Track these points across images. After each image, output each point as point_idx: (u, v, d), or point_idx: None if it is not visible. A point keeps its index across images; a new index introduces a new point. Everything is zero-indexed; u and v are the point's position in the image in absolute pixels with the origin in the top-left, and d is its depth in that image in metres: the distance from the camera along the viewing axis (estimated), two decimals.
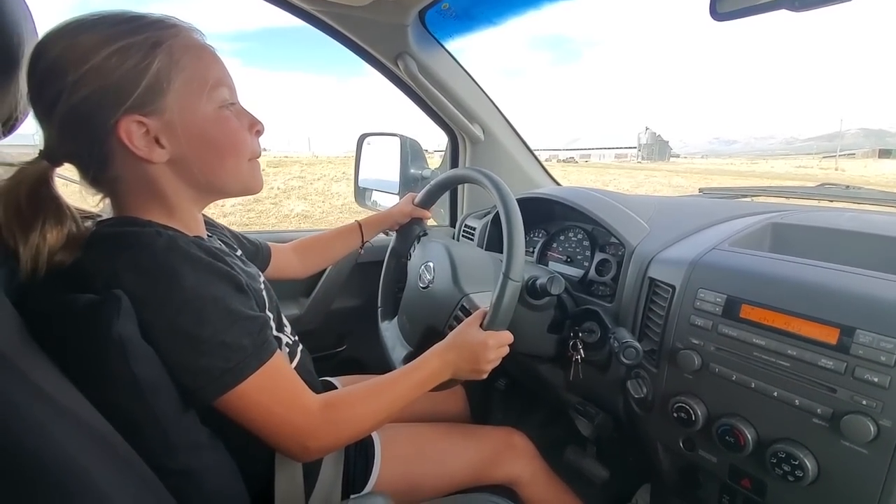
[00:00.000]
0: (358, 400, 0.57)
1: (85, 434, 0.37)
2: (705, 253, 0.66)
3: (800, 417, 0.53)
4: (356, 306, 1.24)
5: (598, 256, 0.92)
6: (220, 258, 0.50)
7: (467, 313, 0.72)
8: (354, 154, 1.37)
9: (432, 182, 0.90)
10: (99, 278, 0.44)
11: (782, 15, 0.58)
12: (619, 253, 0.88)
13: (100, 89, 0.45)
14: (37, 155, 0.49)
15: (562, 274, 0.95)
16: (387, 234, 1.28)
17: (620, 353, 0.65)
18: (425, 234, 0.91)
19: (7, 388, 0.33)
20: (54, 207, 0.48)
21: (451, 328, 0.73)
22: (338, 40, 1.05)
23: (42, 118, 0.48)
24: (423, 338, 0.83)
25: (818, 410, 0.51)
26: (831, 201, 0.99)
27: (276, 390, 0.50)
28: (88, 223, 0.51)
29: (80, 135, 0.47)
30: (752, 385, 0.56)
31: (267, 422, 0.49)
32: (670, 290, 0.67)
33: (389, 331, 0.92)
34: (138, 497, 0.39)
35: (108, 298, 0.41)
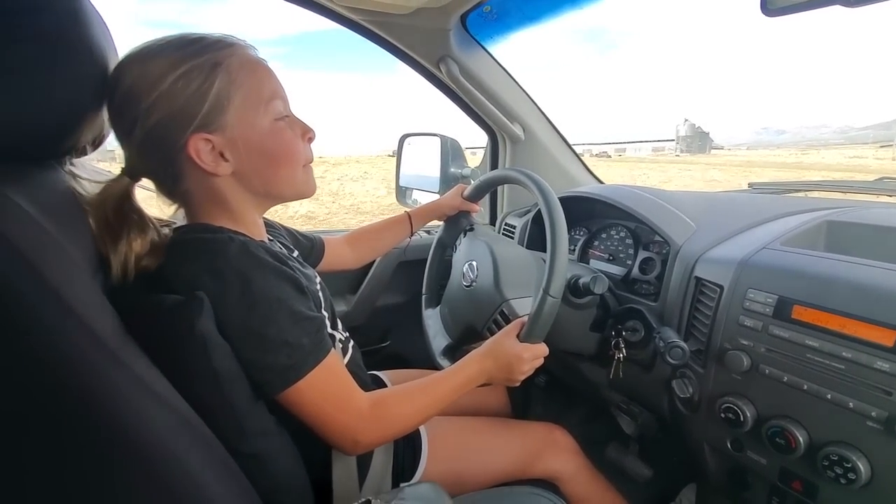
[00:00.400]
0: (403, 399, 0.61)
1: (176, 420, 0.41)
2: (755, 252, 0.65)
3: (854, 420, 0.52)
4: (400, 303, 1.28)
5: (642, 255, 0.92)
6: (283, 262, 0.54)
7: (506, 319, 0.75)
8: (386, 153, 1.41)
9: (482, 178, 0.90)
10: (180, 280, 0.49)
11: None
12: (664, 251, 0.88)
13: (169, 114, 0.50)
14: (120, 172, 0.54)
15: (604, 272, 0.95)
16: (428, 233, 1.32)
17: (666, 353, 0.65)
18: (472, 229, 0.92)
19: (114, 378, 0.37)
20: (137, 219, 0.54)
21: (490, 331, 0.77)
22: (382, 46, 1.08)
23: (122, 140, 0.53)
24: (462, 334, 0.86)
25: (873, 413, 0.51)
26: (890, 196, 0.94)
27: (329, 388, 0.54)
28: (166, 230, 0.57)
29: (155, 155, 0.52)
30: (805, 387, 0.56)
31: (321, 417, 0.54)
32: (718, 289, 0.66)
33: (432, 319, 0.95)
34: (220, 478, 0.43)
35: (192, 299, 0.46)
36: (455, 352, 0.88)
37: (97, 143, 0.55)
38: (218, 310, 0.48)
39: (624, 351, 0.78)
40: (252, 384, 0.51)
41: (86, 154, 0.55)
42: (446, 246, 0.99)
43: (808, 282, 0.58)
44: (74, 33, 0.44)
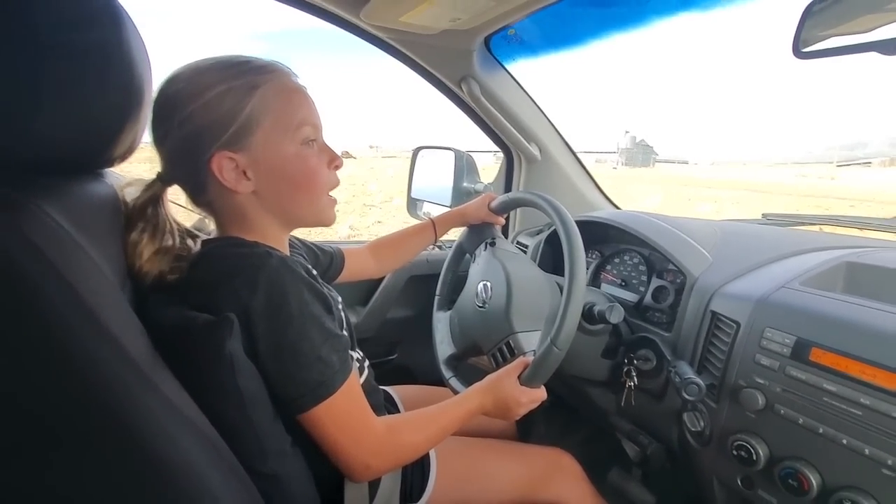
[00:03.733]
0: (415, 427, 0.62)
1: (202, 440, 0.41)
2: (773, 291, 0.65)
3: (869, 466, 0.52)
4: (408, 317, 1.28)
5: (655, 283, 0.92)
6: (315, 279, 0.55)
7: (511, 351, 0.75)
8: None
9: (512, 195, 0.89)
10: (216, 294, 0.49)
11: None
12: (678, 281, 0.88)
13: (200, 127, 0.51)
14: (155, 177, 0.56)
15: (616, 297, 0.95)
16: (440, 247, 1.32)
17: (682, 389, 0.65)
18: (493, 243, 0.90)
19: (147, 401, 0.38)
20: (156, 222, 0.55)
21: (494, 357, 0.78)
22: (405, 63, 1.10)
23: (156, 145, 0.55)
24: (468, 348, 0.87)
25: (889, 461, 0.50)
26: None
27: (352, 409, 0.54)
28: (190, 242, 0.58)
29: (183, 164, 0.54)
30: (820, 430, 0.56)
31: (340, 437, 0.54)
32: (734, 325, 0.66)
33: (441, 322, 0.95)
34: (240, 498, 0.43)
35: (223, 320, 0.47)
36: (458, 362, 0.89)
37: (127, 155, 0.56)
38: (254, 324, 0.49)
39: (635, 379, 0.78)
40: (276, 404, 0.51)
41: (113, 165, 0.57)
42: (466, 252, 0.98)
43: (827, 325, 0.58)
44: (118, 49, 0.45)
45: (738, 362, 0.64)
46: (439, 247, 1.31)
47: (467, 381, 0.82)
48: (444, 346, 0.91)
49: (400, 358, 1.31)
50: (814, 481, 0.55)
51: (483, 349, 0.81)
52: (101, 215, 0.49)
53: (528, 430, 1.21)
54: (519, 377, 0.68)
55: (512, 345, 0.75)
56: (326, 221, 0.63)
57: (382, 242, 0.97)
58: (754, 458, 0.60)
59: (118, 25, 0.45)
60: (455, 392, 0.80)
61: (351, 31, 1.00)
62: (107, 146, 0.49)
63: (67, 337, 0.34)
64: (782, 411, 0.59)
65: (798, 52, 0.62)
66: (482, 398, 0.68)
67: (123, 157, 0.55)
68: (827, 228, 1.06)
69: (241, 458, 0.47)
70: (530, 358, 0.70)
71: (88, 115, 0.44)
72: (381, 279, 1.21)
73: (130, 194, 0.55)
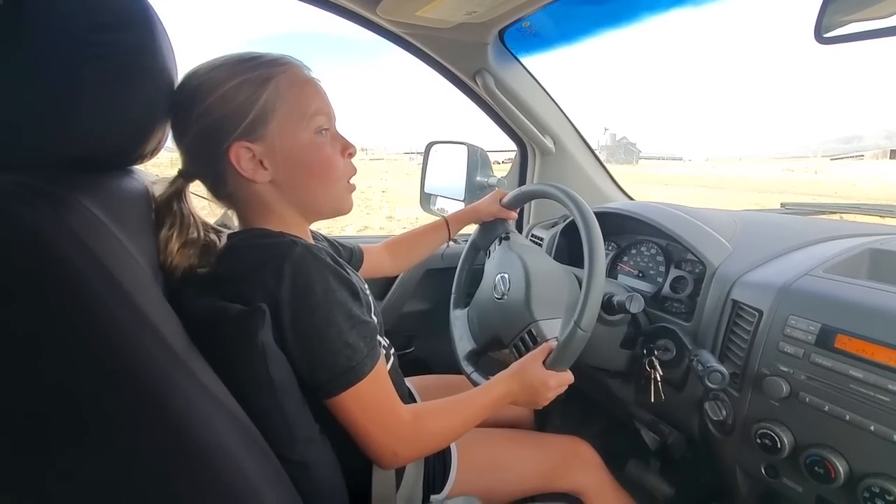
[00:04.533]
0: (441, 415, 0.62)
1: (236, 428, 0.43)
2: (797, 278, 0.65)
3: None
4: (425, 310, 1.29)
5: (674, 273, 0.92)
6: (341, 265, 0.56)
7: (534, 339, 0.75)
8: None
9: (523, 189, 0.89)
10: (245, 285, 0.50)
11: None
12: (697, 270, 0.88)
13: (217, 120, 0.53)
14: (177, 173, 0.58)
15: (633, 289, 0.95)
16: (456, 241, 1.33)
17: (705, 378, 0.65)
18: (507, 238, 0.91)
19: (184, 387, 0.39)
20: (181, 216, 0.56)
21: (516, 347, 0.78)
22: (419, 58, 1.10)
23: (177, 141, 0.57)
24: (488, 342, 0.87)
25: None
26: None
27: (379, 395, 0.55)
28: (212, 236, 0.59)
29: (202, 158, 0.56)
30: (847, 417, 0.55)
31: (368, 424, 0.55)
32: (756, 314, 0.66)
33: (459, 320, 0.95)
34: (273, 484, 0.45)
35: (255, 310, 0.48)
36: (478, 357, 0.89)
37: (155, 152, 0.58)
38: (282, 312, 0.49)
39: (660, 370, 0.78)
40: (306, 390, 0.52)
41: (143, 162, 0.58)
42: (479, 249, 0.98)
43: (852, 311, 0.58)
44: (150, 49, 0.47)
45: (761, 350, 0.64)
46: (454, 241, 1.32)
47: (490, 374, 0.82)
48: (463, 343, 0.91)
49: (417, 351, 1.33)
50: (840, 468, 0.55)
51: (504, 341, 0.82)
52: (134, 211, 0.50)
53: (544, 421, 1.22)
54: (544, 362, 0.69)
55: (534, 333, 0.76)
56: (344, 209, 0.64)
57: (398, 241, 0.98)
58: (779, 445, 0.60)
59: (150, 26, 0.46)
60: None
61: (367, 28, 1.01)
62: (140, 143, 0.50)
63: (111, 323, 0.36)
64: (807, 399, 0.59)
65: (819, 37, 0.62)
66: (509, 385, 0.68)
67: (153, 154, 0.57)
68: (848, 216, 1.05)
69: (270, 446, 0.48)
70: (553, 343, 0.71)
71: (124, 113, 0.45)
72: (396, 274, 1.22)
73: (157, 191, 0.57)
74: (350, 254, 0.87)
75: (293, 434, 0.51)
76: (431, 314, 1.28)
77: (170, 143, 0.58)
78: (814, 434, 0.59)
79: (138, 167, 0.60)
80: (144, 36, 0.46)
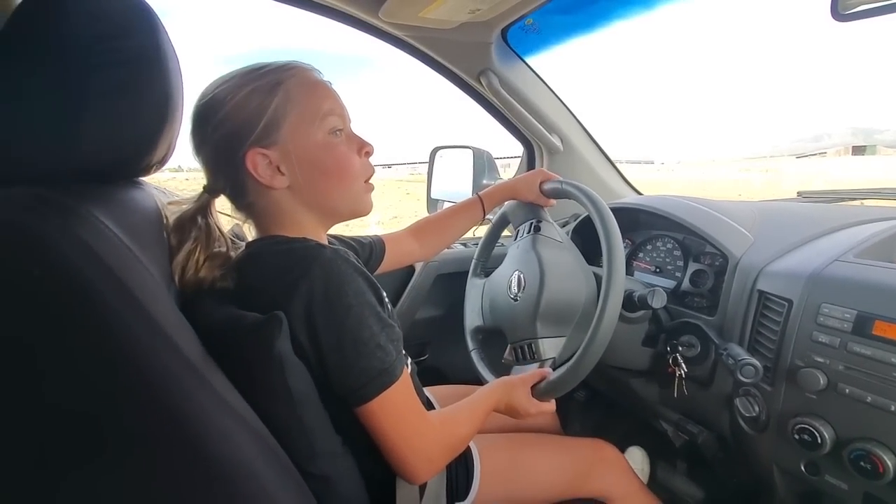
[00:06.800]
0: (464, 419, 0.62)
1: (256, 439, 0.41)
2: (827, 265, 0.63)
3: None
4: (438, 316, 1.27)
5: (693, 267, 0.89)
6: (366, 271, 0.54)
7: (532, 354, 0.75)
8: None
9: (566, 182, 0.82)
10: (272, 291, 0.49)
11: None
12: (717, 263, 0.85)
13: (231, 129, 0.53)
14: (202, 189, 0.57)
15: (651, 286, 0.92)
16: (465, 245, 1.31)
17: (737, 372, 0.62)
18: (538, 229, 0.84)
19: (201, 399, 0.37)
20: (206, 231, 0.56)
21: (515, 352, 0.79)
22: (423, 61, 1.09)
23: (197, 156, 0.56)
24: (493, 331, 0.88)
25: None
26: None
27: (409, 401, 0.54)
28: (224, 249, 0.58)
29: (221, 168, 0.55)
30: (892, 408, 0.53)
31: (403, 429, 0.53)
32: (786, 304, 0.64)
33: (476, 289, 0.94)
34: (296, 500, 0.43)
35: (271, 318, 0.46)
36: (483, 336, 0.91)
37: (163, 162, 0.57)
38: (314, 316, 0.48)
39: (685, 367, 0.76)
40: (330, 402, 0.51)
41: (150, 173, 0.57)
42: (507, 223, 0.94)
43: (889, 296, 0.55)
44: (155, 55, 0.46)
45: (794, 341, 0.62)
46: (463, 244, 1.30)
47: (489, 357, 0.87)
48: (473, 316, 0.91)
49: (431, 359, 1.30)
50: (889, 463, 0.52)
51: (507, 338, 0.81)
52: (145, 221, 0.49)
53: (563, 427, 1.19)
54: (534, 387, 0.69)
55: (534, 348, 0.75)
56: (363, 210, 0.62)
57: (425, 224, 0.92)
58: (819, 441, 0.58)
59: (154, 32, 0.46)
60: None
61: (369, 33, 1.00)
62: (147, 152, 0.49)
63: (125, 335, 0.34)
64: (847, 390, 0.56)
65: (837, 14, 0.60)
66: (498, 397, 0.69)
67: (160, 164, 0.56)
68: (868, 202, 1.02)
69: (291, 459, 0.46)
70: (548, 370, 0.71)
71: (132, 121, 0.44)
72: (408, 279, 1.20)
73: (172, 211, 0.56)
74: (370, 249, 0.82)
75: (314, 447, 0.50)
76: (445, 320, 1.26)
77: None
78: (857, 427, 0.56)
79: (146, 179, 0.59)
80: (148, 41, 0.45)
